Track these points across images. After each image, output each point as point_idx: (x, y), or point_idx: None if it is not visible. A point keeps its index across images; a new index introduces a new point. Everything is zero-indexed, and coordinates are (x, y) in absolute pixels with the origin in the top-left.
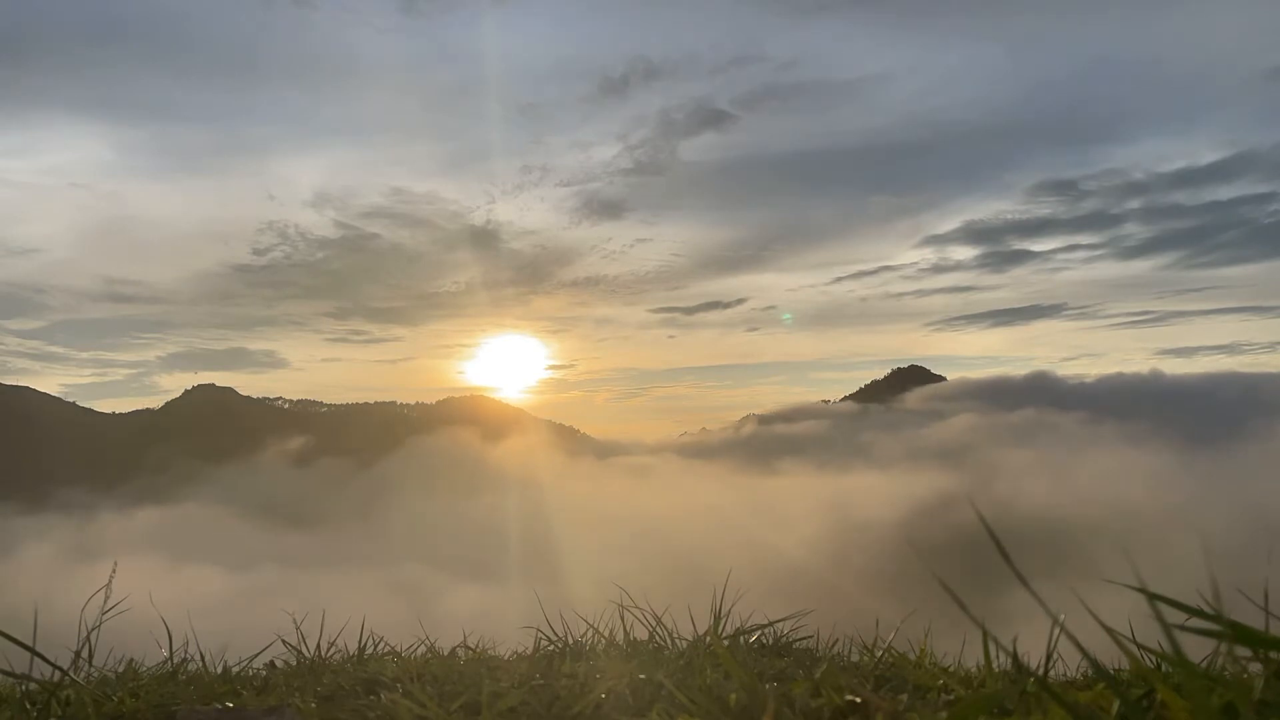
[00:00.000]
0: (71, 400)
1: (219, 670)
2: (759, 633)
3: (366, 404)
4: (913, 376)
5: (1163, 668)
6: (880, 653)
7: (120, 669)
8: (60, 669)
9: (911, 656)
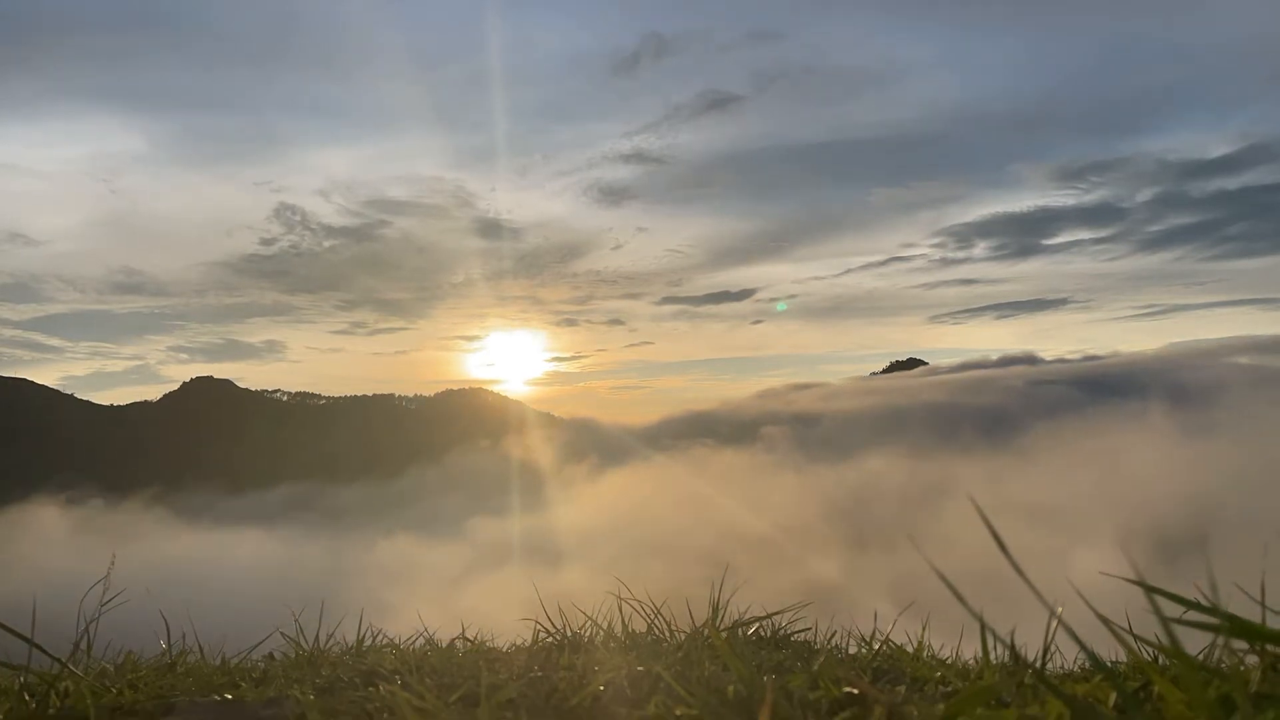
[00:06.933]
0: (70, 392)
1: (218, 662)
2: (757, 625)
3: (364, 396)
4: (909, 369)
5: (1160, 660)
6: (878, 645)
7: (119, 660)
8: (59, 660)
9: (909, 649)
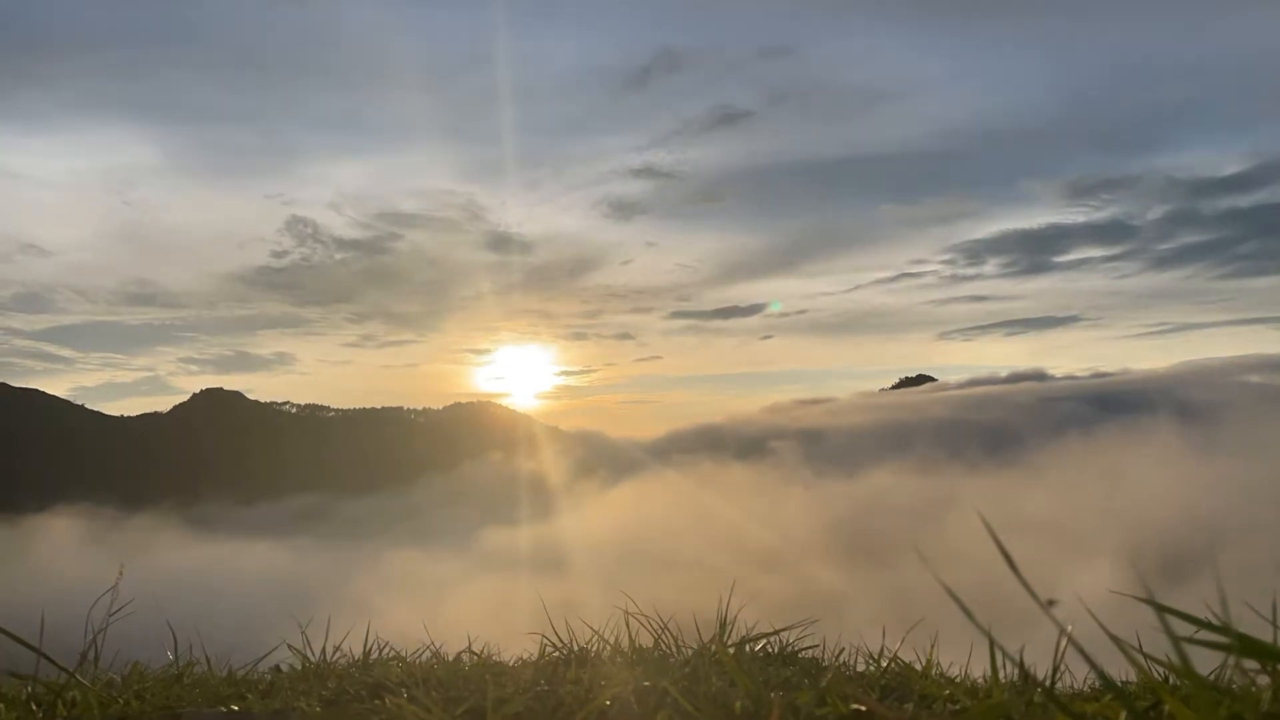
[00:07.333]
0: (80, 403)
1: (224, 673)
2: (764, 641)
3: (374, 409)
4: (918, 385)
5: (1170, 680)
6: (886, 662)
7: (126, 671)
8: (66, 670)
9: (917, 666)
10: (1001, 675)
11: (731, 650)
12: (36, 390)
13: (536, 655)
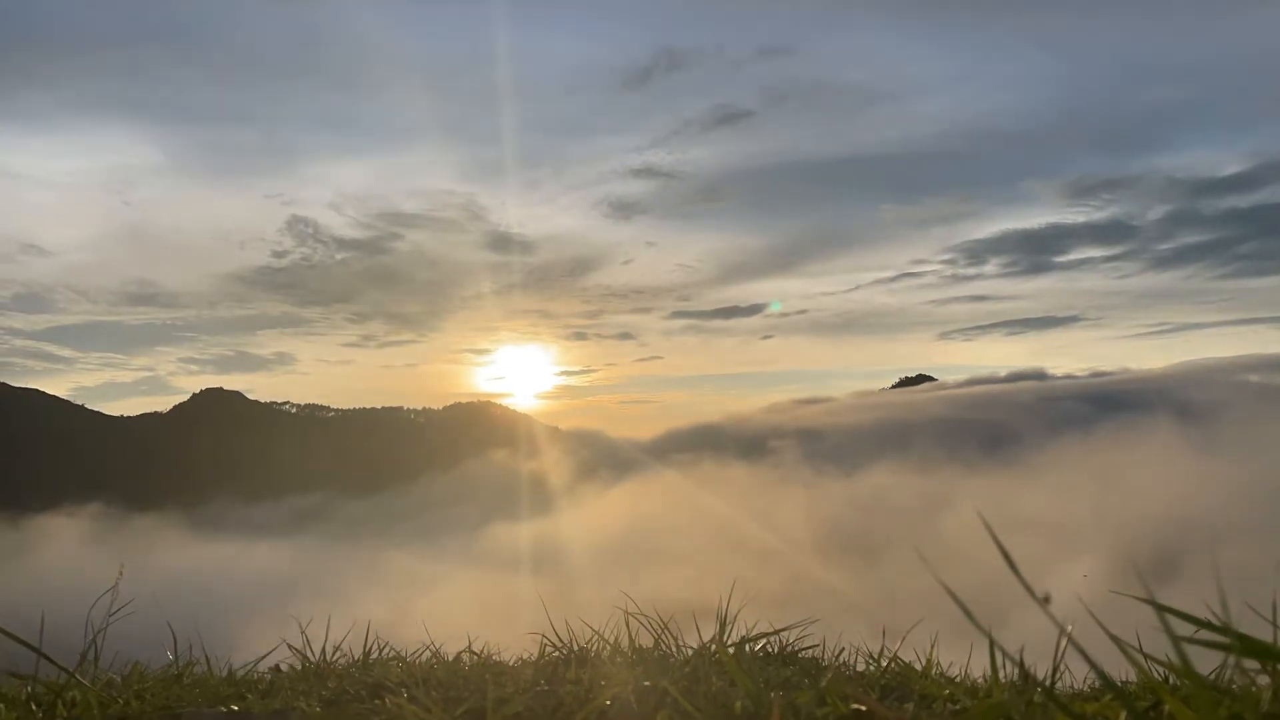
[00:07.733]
0: (80, 403)
1: (224, 673)
2: (765, 640)
3: (373, 409)
4: (918, 385)
5: (1170, 680)
6: (886, 662)
7: (126, 671)
8: (66, 670)
9: (917, 666)
10: (1001, 675)
11: (731, 650)
12: (36, 390)
13: (536, 655)
